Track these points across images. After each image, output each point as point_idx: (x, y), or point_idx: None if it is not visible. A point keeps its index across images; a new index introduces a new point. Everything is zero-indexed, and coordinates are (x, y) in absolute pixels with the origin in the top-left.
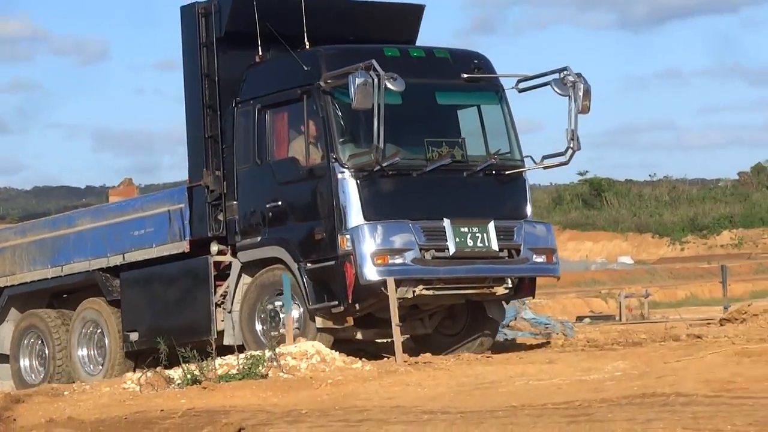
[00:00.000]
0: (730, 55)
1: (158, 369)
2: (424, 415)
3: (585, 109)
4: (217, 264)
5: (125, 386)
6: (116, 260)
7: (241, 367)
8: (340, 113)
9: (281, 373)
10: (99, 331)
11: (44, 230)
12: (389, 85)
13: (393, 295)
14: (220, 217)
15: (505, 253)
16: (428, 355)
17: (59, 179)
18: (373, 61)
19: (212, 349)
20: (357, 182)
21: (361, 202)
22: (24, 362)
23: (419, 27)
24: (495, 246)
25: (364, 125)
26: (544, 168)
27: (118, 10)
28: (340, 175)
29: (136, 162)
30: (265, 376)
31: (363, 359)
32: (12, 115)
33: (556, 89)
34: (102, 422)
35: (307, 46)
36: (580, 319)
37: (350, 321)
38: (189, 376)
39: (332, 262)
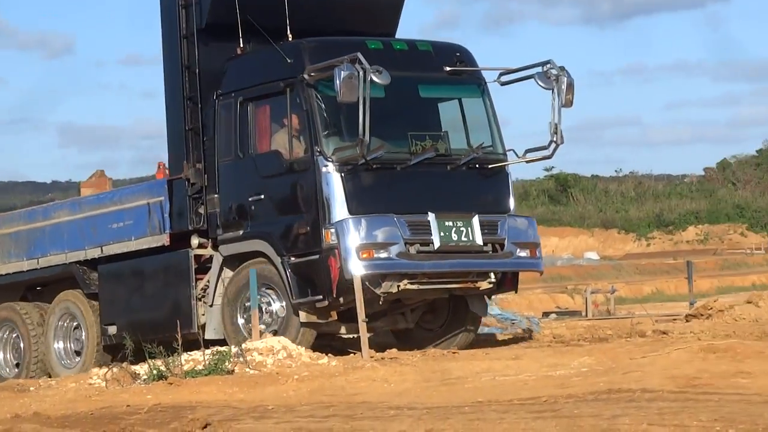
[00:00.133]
0: (695, 50)
1: (124, 364)
2: (390, 410)
3: (568, 103)
4: (197, 257)
5: (91, 382)
6: (94, 253)
7: (207, 362)
8: (323, 106)
9: (247, 369)
10: (76, 324)
11: (19, 222)
12: (375, 78)
13: (359, 290)
14: (201, 210)
15: (489, 248)
16: (394, 350)
17: (25, 174)
18: (359, 54)
19: (179, 345)
20: (341, 176)
21: (345, 196)
22: None
23: (399, 19)
24: (479, 240)
25: (348, 118)
26: (527, 162)
27: (83, 5)
28: (324, 169)
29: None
30: (231, 372)
31: (329, 355)
32: None
33: (540, 83)
34: (68, 418)
35: (290, 38)
36: (546, 314)
37: (334, 315)
38: (155, 371)
39: (316, 256)
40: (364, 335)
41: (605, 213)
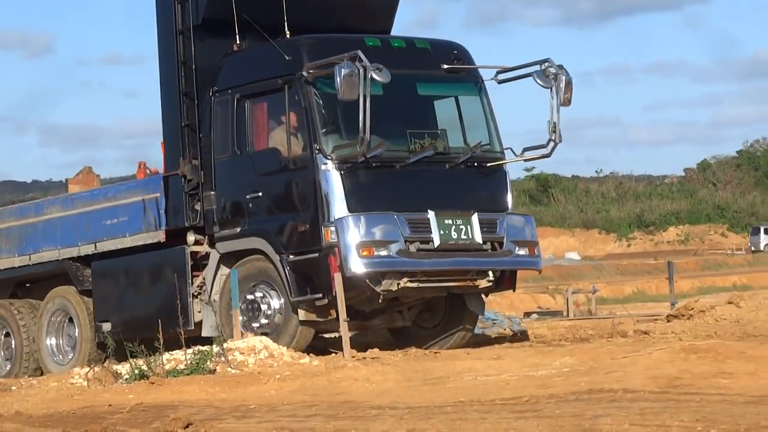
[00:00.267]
0: (675, 51)
1: (106, 364)
2: (372, 410)
3: (567, 102)
4: (193, 254)
5: (73, 381)
6: (87, 249)
7: (189, 362)
8: (322, 103)
9: (229, 369)
10: (68, 320)
11: (10, 219)
12: (375, 76)
13: (340, 288)
14: (197, 206)
15: (488, 246)
16: (376, 350)
17: (5, 173)
18: (359, 52)
19: (160, 344)
20: (341, 173)
21: (345, 194)
22: None
23: (394, 17)
24: (479, 238)
25: (346, 116)
26: (525, 160)
27: (63, 4)
28: (323, 167)
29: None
30: (213, 371)
31: (311, 354)
32: None
33: (539, 81)
34: (50, 417)
35: (288, 35)
36: (527, 314)
37: (333, 314)
38: (137, 371)
39: (316, 254)
40: (346, 335)
41: (586, 213)
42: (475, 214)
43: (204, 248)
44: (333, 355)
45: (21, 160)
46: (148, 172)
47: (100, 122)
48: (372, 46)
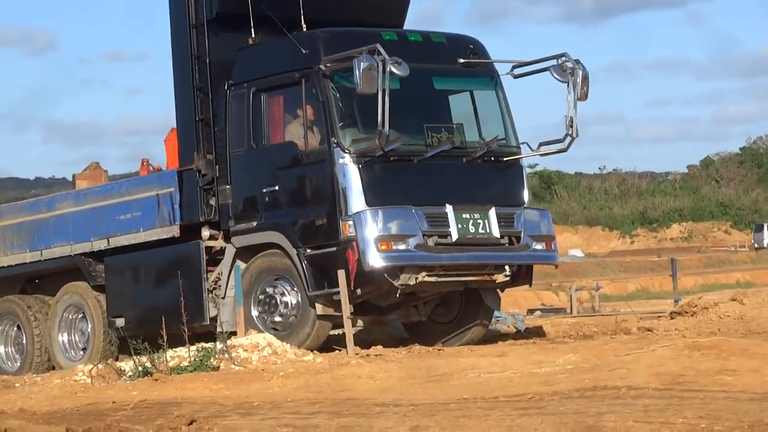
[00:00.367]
0: (678, 48)
1: (109, 361)
2: (375, 407)
3: (583, 96)
4: (207, 249)
5: (76, 378)
6: (100, 245)
7: (192, 359)
8: (339, 97)
9: (233, 366)
10: (81, 316)
11: (21, 214)
12: (394, 70)
13: (344, 284)
14: (212, 201)
15: (505, 240)
16: (380, 347)
17: (8, 171)
18: (378, 45)
19: (164, 341)
20: (358, 167)
21: (362, 188)
22: None
23: (407, 11)
24: (496, 233)
25: (364, 110)
26: (542, 155)
27: (65, 1)
28: (341, 160)
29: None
30: (216, 369)
31: (314, 351)
32: None
33: (556, 75)
34: (53, 414)
35: (304, 29)
36: (531, 311)
37: (351, 308)
38: (140, 368)
39: (333, 248)
40: (350, 332)
41: (589, 210)
42: (493, 208)
43: (219, 243)
44: (337, 352)
45: (24, 157)
46: (151, 169)
47: (103, 119)
48: (389, 40)
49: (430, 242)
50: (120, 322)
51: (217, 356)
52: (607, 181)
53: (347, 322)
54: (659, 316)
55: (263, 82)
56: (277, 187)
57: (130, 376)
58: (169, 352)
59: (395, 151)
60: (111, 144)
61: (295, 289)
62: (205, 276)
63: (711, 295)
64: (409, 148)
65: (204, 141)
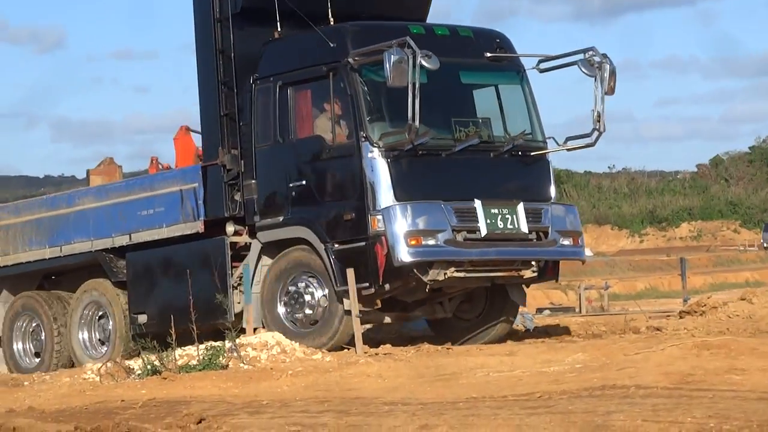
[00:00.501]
0: (687, 47)
1: (118, 359)
2: (384, 406)
3: (611, 90)
4: (232, 245)
5: (85, 376)
6: (122, 241)
7: (201, 357)
8: (368, 90)
9: (241, 364)
10: (101, 313)
11: (41, 210)
12: (424, 63)
13: (353, 282)
14: (237, 196)
15: (534, 236)
16: (388, 346)
17: (17, 169)
18: (408, 39)
19: (173, 340)
20: (387, 161)
21: (391, 182)
22: (17, 345)
23: (429, 6)
24: (525, 228)
25: (392, 103)
26: (568, 150)
27: None
28: (369, 154)
29: (94, 152)
30: (225, 367)
31: (323, 350)
32: None
33: (584, 69)
34: (62, 412)
35: (332, 23)
36: (540, 310)
37: (379, 303)
38: (149, 366)
39: (362, 243)
40: (358, 331)
41: (598, 209)
42: (521, 203)
43: (243, 239)
44: (345, 351)
45: (33, 156)
46: (160, 167)
47: (111, 117)
48: (416, 33)
49: (459, 237)
50: (142, 318)
51: (226, 355)
52: (617, 180)
53: (356, 321)
54: (668, 315)
55: (290, 76)
56: (304, 182)
57: (139, 374)
58: (178, 351)
59: (423, 146)
60: (119, 142)
61: (322, 284)
62: (230, 272)
63: (720, 295)
64: (438, 143)
65: (229, 136)
